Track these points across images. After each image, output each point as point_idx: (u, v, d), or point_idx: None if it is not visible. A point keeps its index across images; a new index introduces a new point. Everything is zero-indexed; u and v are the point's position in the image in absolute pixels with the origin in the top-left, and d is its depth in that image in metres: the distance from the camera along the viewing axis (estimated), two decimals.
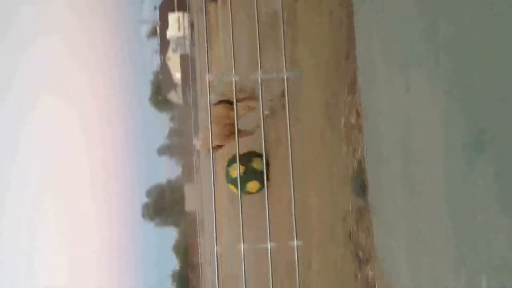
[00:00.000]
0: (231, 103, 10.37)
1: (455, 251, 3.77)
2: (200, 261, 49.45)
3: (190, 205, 57.69)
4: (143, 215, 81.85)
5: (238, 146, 8.88)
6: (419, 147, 4.36)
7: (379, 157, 5.28)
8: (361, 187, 5.84)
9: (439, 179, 3.98)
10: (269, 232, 8.01)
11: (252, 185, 11.39)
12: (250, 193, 11.55)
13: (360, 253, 5.93)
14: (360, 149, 5.80)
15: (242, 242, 8.26)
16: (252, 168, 11.36)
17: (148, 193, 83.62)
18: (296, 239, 7.89)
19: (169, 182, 79.55)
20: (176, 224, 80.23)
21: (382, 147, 5.14)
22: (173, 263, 78.26)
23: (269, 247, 8.06)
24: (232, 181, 11.78)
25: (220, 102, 11.22)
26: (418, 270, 4.41)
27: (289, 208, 8.01)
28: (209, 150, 10.34)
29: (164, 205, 78.14)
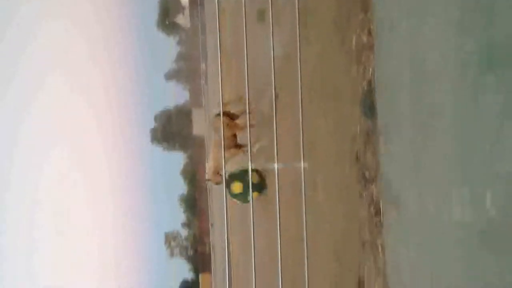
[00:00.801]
0: (231, 116, 12.02)
1: (460, 167, 3.82)
2: (208, 185, 50.33)
3: (197, 129, 57.97)
4: (152, 140, 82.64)
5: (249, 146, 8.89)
6: (431, 67, 4.32)
7: (389, 77, 5.24)
8: (370, 109, 5.85)
9: (448, 98, 3.97)
10: (276, 153, 8.10)
11: (253, 195, 11.95)
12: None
13: (367, 173, 6.03)
14: (370, 70, 5.76)
15: (249, 163, 8.38)
16: (247, 183, 11.98)
17: (156, 118, 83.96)
18: (303, 160, 8.00)
19: (177, 107, 79.54)
20: (184, 148, 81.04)
21: (393, 67, 5.10)
22: (181, 188, 79.65)
23: (276, 168, 8.18)
24: (235, 197, 12.71)
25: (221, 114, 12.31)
26: (422, 186, 4.50)
27: (297, 129, 8.06)
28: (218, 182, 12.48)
29: (171, 130, 78.65)
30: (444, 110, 4.07)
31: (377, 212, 5.75)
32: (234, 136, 12.27)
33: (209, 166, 14.68)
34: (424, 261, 4.51)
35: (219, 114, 12.51)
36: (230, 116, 12.42)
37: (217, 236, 37.98)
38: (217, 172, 13.10)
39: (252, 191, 11.53)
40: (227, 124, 12.43)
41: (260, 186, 11.75)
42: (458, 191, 3.87)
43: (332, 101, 7.42)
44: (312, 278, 7.40)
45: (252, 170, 11.29)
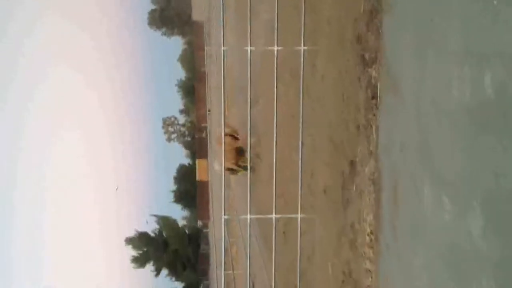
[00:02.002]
0: (234, 137, 17.10)
1: (463, 44, 3.74)
2: (206, 69, 50.13)
3: (197, 15, 56.60)
4: (149, 23, 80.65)
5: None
6: None
7: None
8: None
9: None
10: (277, 37, 7.93)
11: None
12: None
13: (367, 55, 5.93)
14: None
15: (249, 43, 8.22)
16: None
17: (154, 0, 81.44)
18: (304, 44, 7.86)
19: None
20: (182, 34, 79.61)
21: None
22: (180, 73, 79.40)
23: (275, 50, 8.05)
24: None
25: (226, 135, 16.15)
26: (423, 68, 4.44)
27: (299, 10, 7.83)
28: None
29: (171, 13, 76.59)
30: None
31: (374, 96, 5.74)
32: (236, 149, 16.66)
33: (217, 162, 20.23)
34: (418, 142, 4.57)
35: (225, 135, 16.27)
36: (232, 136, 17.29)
37: (214, 122, 38.49)
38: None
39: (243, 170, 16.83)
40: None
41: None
42: (458, 72, 3.81)
43: None
44: (305, 158, 7.57)
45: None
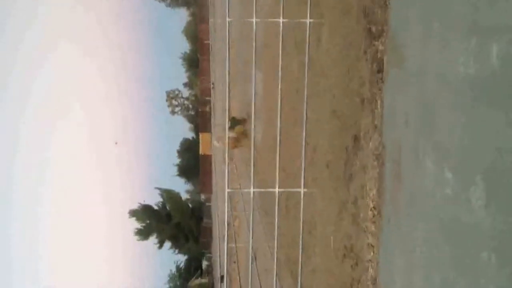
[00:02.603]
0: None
1: (470, 17, 3.69)
2: (210, 42, 49.76)
3: None
4: None
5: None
6: None
7: None
8: None
9: None
10: (282, 8, 7.84)
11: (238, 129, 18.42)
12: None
13: (373, 28, 5.86)
14: None
15: (254, 16, 8.14)
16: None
17: None
18: (309, 17, 7.76)
19: None
20: (186, 5, 78.85)
21: None
22: (184, 45, 78.88)
23: (281, 22, 7.96)
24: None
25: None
26: (429, 42, 4.39)
27: None
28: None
29: None
30: None
31: (380, 69, 5.68)
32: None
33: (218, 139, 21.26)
34: (423, 116, 4.54)
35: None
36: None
37: (218, 96, 38.38)
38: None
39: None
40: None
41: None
42: (464, 45, 3.77)
43: None
44: (309, 133, 7.55)
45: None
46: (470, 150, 3.80)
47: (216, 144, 22.25)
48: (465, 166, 3.87)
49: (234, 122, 18.11)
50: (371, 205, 5.63)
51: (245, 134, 17.91)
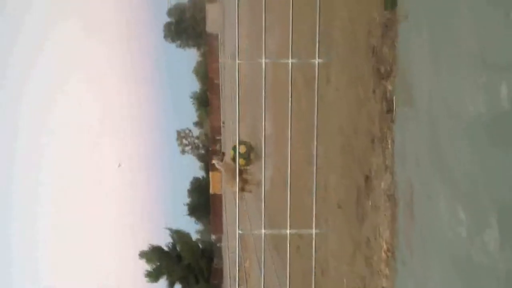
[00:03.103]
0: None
1: (480, 54, 3.68)
2: (220, 81, 50.33)
3: (211, 27, 56.97)
4: (165, 36, 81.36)
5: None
6: None
7: None
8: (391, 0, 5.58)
9: None
10: (291, 49, 7.91)
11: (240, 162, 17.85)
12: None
13: (382, 68, 5.88)
14: None
15: (263, 55, 8.21)
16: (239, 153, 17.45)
17: (170, 12, 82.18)
18: (318, 56, 7.82)
19: (191, 1, 77.62)
20: (197, 45, 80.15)
21: None
22: (194, 85, 79.81)
23: (290, 63, 8.02)
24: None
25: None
26: (439, 81, 4.38)
27: (313, 24, 7.81)
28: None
29: (185, 26, 77.22)
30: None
31: (389, 109, 5.67)
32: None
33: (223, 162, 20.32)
34: (434, 155, 4.49)
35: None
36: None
37: (228, 135, 38.51)
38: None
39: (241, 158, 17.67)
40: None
41: (247, 156, 17.75)
42: (474, 83, 3.75)
43: None
44: (320, 172, 7.49)
45: (243, 143, 18.35)
46: (483, 190, 3.74)
47: (225, 185, 22.41)
48: (478, 206, 3.80)
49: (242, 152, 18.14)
50: (385, 247, 5.52)
51: (253, 158, 18.06)
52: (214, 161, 20.58)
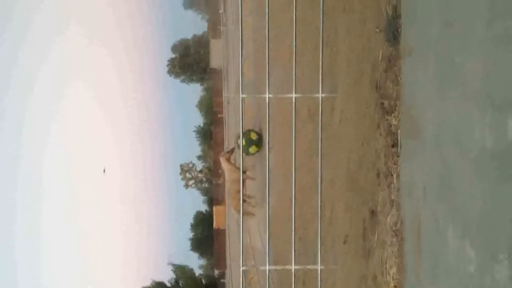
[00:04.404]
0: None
1: (485, 88, 3.68)
2: (224, 116, 50.57)
3: (215, 62, 57.64)
4: (169, 72, 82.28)
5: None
6: None
7: (416, 2, 5.01)
8: (394, 35, 5.63)
9: (479, 10, 3.78)
10: (294, 83, 7.97)
11: (252, 149, 18.39)
12: (253, 154, 18.69)
13: (386, 103, 5.89)
14: None
15: (267, 91, 8.26)
16: (250, 139, 18.23)
17: (174, 48, 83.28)
18: (322, 91, 7.87)
19: (195, 37, 78.71)
20: (201, 81, 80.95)
21: None
22: (198, 119, 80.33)
23: (293, 97, 8.06)
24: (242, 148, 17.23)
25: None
26: (444, 116, 4.38)
27: (317, 58, 7.87)
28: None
29: (189, 61, 78.15)
30: (471, 20, 3.88)
31: (394, 144, 5.66)
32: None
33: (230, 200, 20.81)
34: (441, 189, 4.45)
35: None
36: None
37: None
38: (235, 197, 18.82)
39: (252, 145, 18.27)
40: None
41: (259, 141, 17.74)
42: (480, 117, 3.74)
43: (354, 26, 7.18)
44: (324, 204, 7.43)
45: (251, 130, 18.61)
46: (492, 225, 3.69)
47: (232, 211, 22.25)
48: (487, 242, 3.74)
49: (248, 141, 17.99)
50: (392, 284, 5.42)
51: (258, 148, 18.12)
52: (220, 157, 20.41)
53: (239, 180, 15.66)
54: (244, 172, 17.45)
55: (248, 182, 19.10)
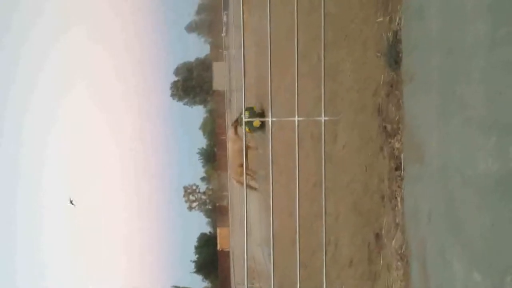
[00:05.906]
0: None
1: (489, 115, 3.72)
2: (227, 138, 50.64)
3: (218, 84, 57.95)
4: (172, 95, 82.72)
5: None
6: (463, 16, 4.16)
7: (417, 27, 5.08)
8: (395, 60, 5.70)
9: (479, 37, 3.84)
10: (297, 106, 8.03)
11: (256, 123, 18.03)
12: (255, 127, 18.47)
13: (388, 127, 5.93)
14: (397, 19, 5.57)
15: (270, 115, 8.32)
16: (253, 111, 18.22)
17: (177, 71, 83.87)
18: (324, 115, 7.92)
19: (198, 60, 79.31)
20: (204, 103, 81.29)
21: (422, 17, 4.93)
22: (201, 141, 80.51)
23: (296, 121, 8.11)
24: (246, 124, 17.00)
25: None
26: (447, 140, 4.41)
27: (320, 82, 7.94)
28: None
29: (192, 84, 78.62)
30: (473, 48, 3.93)
31: (398, 167, 5.68)
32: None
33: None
34: (446, 213, 4.46)
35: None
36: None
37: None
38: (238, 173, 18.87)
39: (255, 118, 17.79)
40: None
41: (262, 116, 17.33)
42: (483, 142, 3.77)
43: (356, 51, 7.26)
44: (329, 228, 7.42)
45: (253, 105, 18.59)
46: (497, 250, 3.69)
47: (235, 183, 22.64)
48: (493, 266, 3.73)
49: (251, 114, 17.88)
50: None
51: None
52: (231, 125, 20.84)
53: (242, 150, 15.47)
54: (247, 146, 17.59)
55: (250, 155, 18.97)
